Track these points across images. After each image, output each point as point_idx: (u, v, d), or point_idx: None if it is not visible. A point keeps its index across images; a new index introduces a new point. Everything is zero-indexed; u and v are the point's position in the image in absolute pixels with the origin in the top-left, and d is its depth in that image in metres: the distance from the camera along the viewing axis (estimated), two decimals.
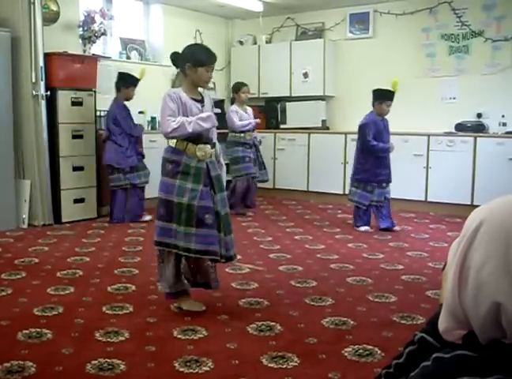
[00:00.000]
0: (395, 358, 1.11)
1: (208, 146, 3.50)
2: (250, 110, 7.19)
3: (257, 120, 7.18)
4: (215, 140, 3.64)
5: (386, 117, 6.15)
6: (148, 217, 6.54)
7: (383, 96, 6.01)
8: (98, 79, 6.66)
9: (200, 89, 3.65)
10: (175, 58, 3.59)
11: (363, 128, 6.06)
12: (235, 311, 3.59)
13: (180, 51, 3.59)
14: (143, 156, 6.63)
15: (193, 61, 3.46)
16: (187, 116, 3.43)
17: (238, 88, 7.02)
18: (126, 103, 6.52)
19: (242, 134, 6.93)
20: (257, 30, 8.91)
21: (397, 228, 6.13)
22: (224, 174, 3.72)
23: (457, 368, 0.86)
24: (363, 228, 6.16)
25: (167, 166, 3.47)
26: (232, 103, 7.15)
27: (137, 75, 6.60)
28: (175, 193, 3.40)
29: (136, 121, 6.78)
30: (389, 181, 6.13)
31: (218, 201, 3.50)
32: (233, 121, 6.90)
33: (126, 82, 6.49)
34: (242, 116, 6.97)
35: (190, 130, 3.37)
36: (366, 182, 6.05)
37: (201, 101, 3.56)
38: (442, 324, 0.93)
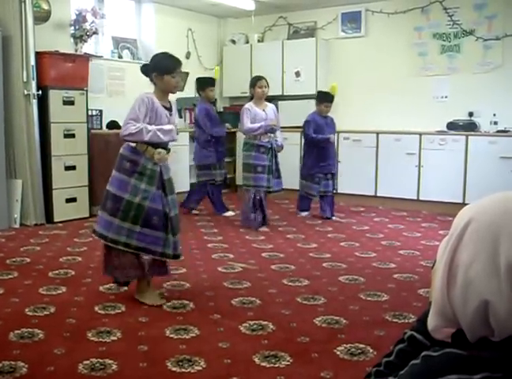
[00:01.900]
0: (385, 356, 1.11)
1: (165, 151, 3.67)
2: (271, 107, 6.22)
3: (272, 121, 6.04)
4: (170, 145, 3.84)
5: (332, 115, 6.88)
6: (229, 213, 6.93)
7: (322, 98, 6.75)
8: (90, 78, 6.63)
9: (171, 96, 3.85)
10: (145, 69, 3.76)
11: (304, 125, 6.76)
12: (228, 310, 3.59)
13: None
14: (223, 155, 6.99)
15: (158, 70, 3.64)
16: (155, 122, 3.60)
17: (253, 83, 6.16)
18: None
19: (256, 135, 6.03)
20: (249, 29, 8.91)
21: (334, 218, 6.73)
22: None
23: (445, 366, 0.86)
24: (304, 213, 6.90)
25: (125, 165, 3.60)
26: (251, 100, 6.20)
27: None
28: (128, 191, 3.54)
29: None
30: (332, 172, 6.77)
31: (170, 202, 3.66)
32: (242, 121, 6.04)
33: (202, 85, 6.88)
34: (256, 115, 6.00)
35: (145, 139, 3.55)
36: (313, 175, 6.65)
37: (170, 109, 3.75)
38: (431, 322, 0.93)
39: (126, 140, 3.62)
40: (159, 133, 3.57)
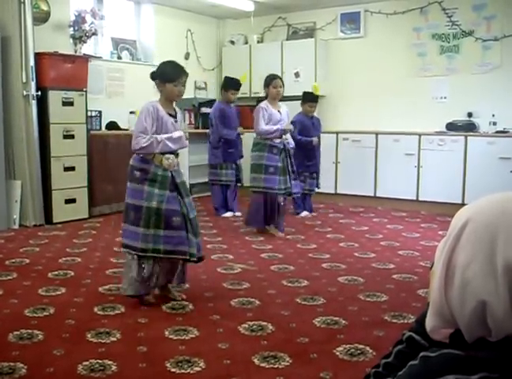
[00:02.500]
0: (384, 358, 1.11)
1: (173, 156, 3.71)
2: (285, 108, 5.96)
3: (288, 126, 5.84)
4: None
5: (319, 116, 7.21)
6: (227, 214, 6.90)
7: (306, 98, 6.95)
8: (89, 79, 6.64)
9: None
10: (152, 76, 3.78)
11: None
12: (227, 311, 3.59)
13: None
14: (234, 156, 6.91)
15: (160, 78, 3.70)
16: (161, 130, 3.64)
17: (268, 82, 5.83)
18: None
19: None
20: (248, 30, 8.91)
21: (314, 214, 7.06)
22: None
23: (443, 366, 0.86)
24: (303, 214, 6.93)
25: (135, 174, 3.65)
26: (265, 99, 5.92)
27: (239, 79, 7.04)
28: (144, 198, 3.58)
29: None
30: (316, 171, 6.93)
31: (186, 205, 3.69)
32: (258, 122, 5.71)
33: (226, 85, 6.91)
34: (271, 115, 5.73)
35: (157, 151, 3.62)
36: (299, 173, 6.49)
37: (175, 116, 3.79)
38: (429, 323, 0.93)
39: (138, 154, 3.66)
40: (168, 143, 3.62)
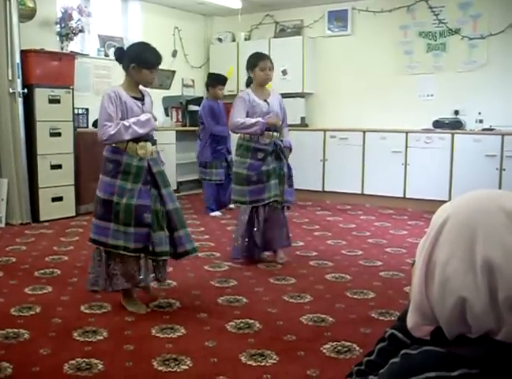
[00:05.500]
0: (367, 355, 1.12)
1: (149, 143, 3.51)
2: (276, 97, 4.65)
3: (274, 118, 4.48)
4: (156, 137, 3.65)
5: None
6: (216, 213, 6.87)
7: (217, 81, 6.81)
8: (76, 76, 6.61)
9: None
10: (120, 55, 3.55)
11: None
12: (214, 309, 3.59)
13: (125, 48, 3.63)
14: (223, 155, 6.82)
15: (138, 62, 3.43)
16: (127, 115, 3.41)
17: (253, 63, 4.53)
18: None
19: (252, 136, 4.51)
20: (235, 27, 8.90)
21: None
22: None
23: (424, 363, 0.87)
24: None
25: (108, 166, 3.45)
26: (248, 86, 4.67)
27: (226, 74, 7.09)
28: (115, 193, 3.40)
29: None
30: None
31: (165, 196, 3.50)
32: (232, 114, 4.52)
33: (213, 81, 6.86)
34: (255, 107, 4.47)
35: (126, 138, 3.38)
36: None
37: (142, 99, 3.55)
38: (410, 320, 0.94)
39: (107, 144, 3.45)
40: (136, 128, 3.37)
